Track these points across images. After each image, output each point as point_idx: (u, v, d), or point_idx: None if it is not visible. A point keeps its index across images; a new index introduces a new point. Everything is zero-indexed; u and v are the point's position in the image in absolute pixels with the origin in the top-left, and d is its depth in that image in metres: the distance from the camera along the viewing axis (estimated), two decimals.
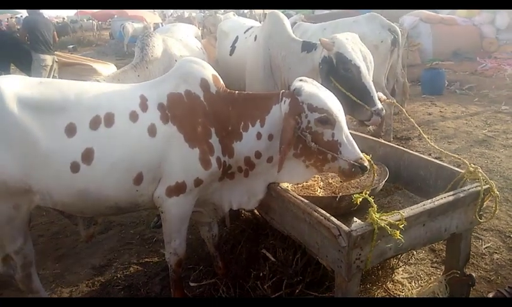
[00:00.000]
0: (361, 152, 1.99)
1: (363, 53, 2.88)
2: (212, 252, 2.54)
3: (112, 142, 1.92)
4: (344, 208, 2.06)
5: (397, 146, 2.68)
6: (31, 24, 6.04)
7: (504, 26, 10.79)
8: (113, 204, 2.04)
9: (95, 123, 1.91)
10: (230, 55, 4.16)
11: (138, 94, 2.03)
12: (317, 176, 2.41)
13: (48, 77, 5.83)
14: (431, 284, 2.23)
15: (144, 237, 3.25)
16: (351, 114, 2.86)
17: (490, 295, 2.30)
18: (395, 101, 3.20)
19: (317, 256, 1.90)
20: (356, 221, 1.62)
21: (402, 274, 2.47)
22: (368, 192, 1.76)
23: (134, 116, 1.96)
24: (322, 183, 2.46)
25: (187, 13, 22.10)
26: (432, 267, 2.68)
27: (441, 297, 2.10)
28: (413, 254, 2.63)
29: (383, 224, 1.57)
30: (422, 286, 2.38)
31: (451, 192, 1.88)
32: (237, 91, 2.15)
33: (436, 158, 3.43)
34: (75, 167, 1.87)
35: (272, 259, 2.28)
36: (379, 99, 2.78)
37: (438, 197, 1.83)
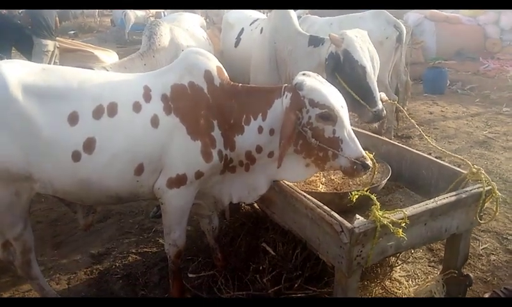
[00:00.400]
0: (364, 150, 1.97)
1: (371, 53, 2.88)
2: (212, 244, 2.55)
3: (114, 132, 1.91)
4: (346, 205, 2.06)
5: (399, 144, 2.68)
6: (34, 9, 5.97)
7: (509, 27, 10.72)
8: (114, 194, 2.04)
9: (98, 113, 1.89)
10: (235, 47, 4.14)
11: (142, 85, 2.02)
12: (319, 172, 2.40)
13: (50, 62, 5.78)
14: (428, 283, 2.25)
15: (143, 227, 3.25)
16: (352, 113, 2.86)
17: (486, 296, 2.32)
18: (396, 102, 3.19)
19: (318, 252, 1.91)
20: (359, 218, 1.63)
21: (399, 272, 2.49)
22: (368, 190, 1.76)
23: (137, 107, 1.95)
24: (324, 179, 2.46)
25: None
26: (429, 266, 2.70)
27: (438, 296, 2.11)
28: (411, 253, 2.64)
29: (385, 222, 1.58)
30: (419, 284, 2.40)
31: (453, 193, 1.89)
32: (240, 84, 2.14)
33: (436, 157, 3.43)
34: (76, 156, 1.86)
35: (272, 253, 2.29)
36: (381, 99, 2.78)
37: (440, 197, 1.83)
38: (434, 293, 2.13)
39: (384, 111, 2.82)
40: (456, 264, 2.12)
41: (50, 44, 5.95)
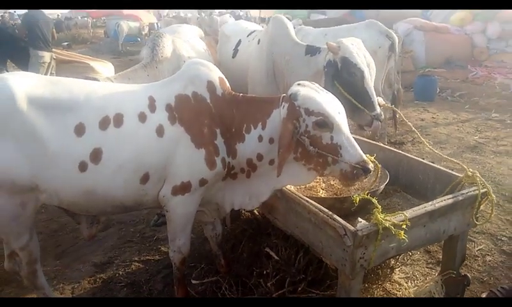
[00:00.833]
0: None
1: (367, 59, 2.96)
2: (215, 250, 2.59)
3: (121, 143, 1.94)
4: (346, 209, 2.13)
5: (396, 150, 2.76)
6: (31, 21, 6.00)
7: (495, 36, 11.05)
8: (119, 204, 2.07)
9: (104, 123, 1.93)
10: (233, 57, 4.21)
11: (147, 95, 2.06)
12: (319, 177, 2.46)
13: (46, 74, 5.80)
14: (427, 284, 2.31)
15: (144, 235, 3.27)
16: (351, 118, 2.93)
17: (483, 295, 2.39)
18: (393, 106, 3.28)
19: (321, 255, 1.95)
20: (361, 221, 1.68)
21: (399, 274, 2.54)
22: (367, 194, 1.82)
23: (142, 117, 1.99)
24: (324, 184, 2.52)
25: (183, 13, 22.05)
26: (427, 267, 2.77)
27: (437, 296, 2.17)
28: (410, 255, 2.71)
29: (387, 225, 1.63)
30: (418, 286, 2.45)
31: (451, 195, 1.96)
32: (241, 94, 2.19)
33: (430, 162, 3.52)
34: (83, 167, 1.89)
35: (276, 257, 2.33)
36: (379, 104, 2.86)
37: (438, 200, 1.90)
38: (434, 293, 2.18)
39: (383, 115, 2.90)
40: (454, 265, 2.19)
41: (46, 55, 5.98)
